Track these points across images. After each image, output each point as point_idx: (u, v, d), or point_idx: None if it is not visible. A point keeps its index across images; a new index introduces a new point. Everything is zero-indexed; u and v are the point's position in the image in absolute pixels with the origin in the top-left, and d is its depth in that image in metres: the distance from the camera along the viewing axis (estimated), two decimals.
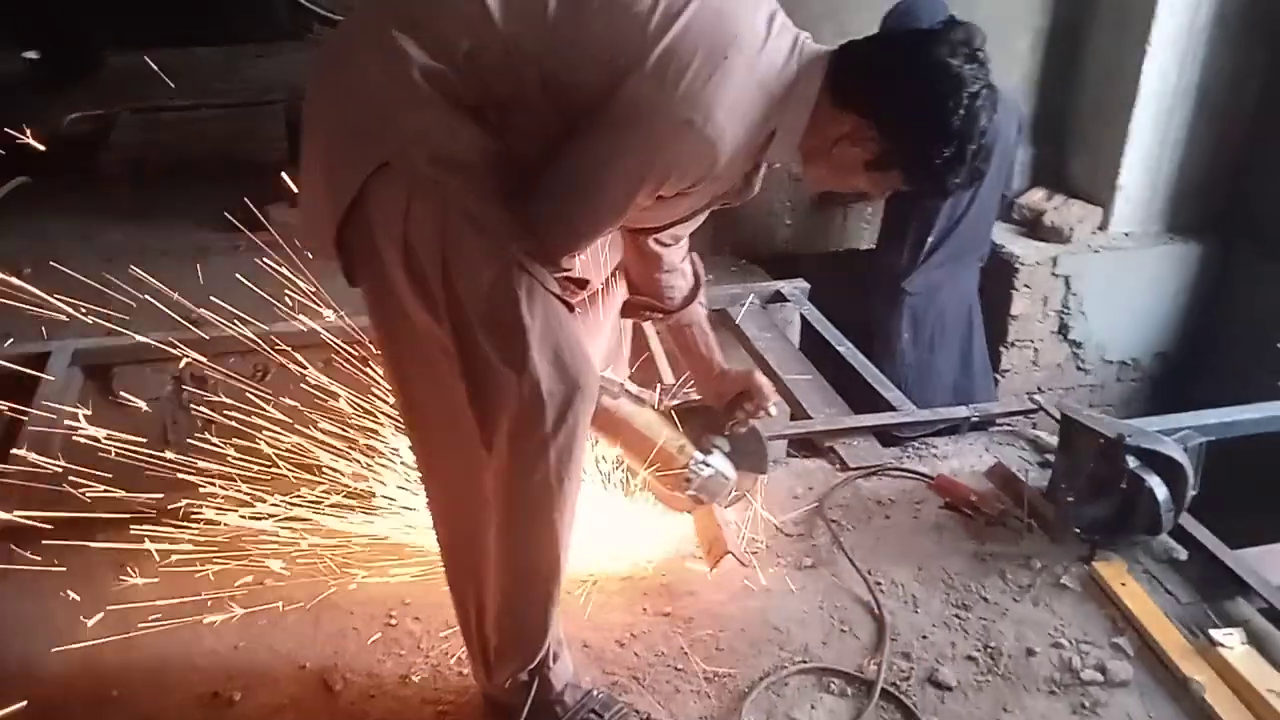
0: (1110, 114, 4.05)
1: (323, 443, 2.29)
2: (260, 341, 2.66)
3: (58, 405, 2.59)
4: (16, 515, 2.15)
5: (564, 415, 1.56)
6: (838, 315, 3.42)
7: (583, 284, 1.66)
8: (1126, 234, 4.18)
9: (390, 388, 1.68)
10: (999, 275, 3.99)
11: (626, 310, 2.06)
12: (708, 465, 2.08)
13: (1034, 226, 4.13)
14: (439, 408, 1.63)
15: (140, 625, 2.00)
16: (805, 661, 1.99)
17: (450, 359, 1.56)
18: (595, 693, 1.82)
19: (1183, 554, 2.26)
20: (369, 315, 1.66)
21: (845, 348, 3.20)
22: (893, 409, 2.89)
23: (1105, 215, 4.15)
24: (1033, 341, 4.15)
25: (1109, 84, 4.05)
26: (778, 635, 2.05)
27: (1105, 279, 4.10)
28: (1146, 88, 3.93)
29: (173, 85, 3.78)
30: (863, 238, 4.06)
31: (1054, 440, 2.54)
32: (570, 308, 1.61)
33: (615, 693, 1.87)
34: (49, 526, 2.12)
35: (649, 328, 2.66)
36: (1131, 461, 2.18)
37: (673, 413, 2.11)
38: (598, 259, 1.91)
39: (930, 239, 3.50)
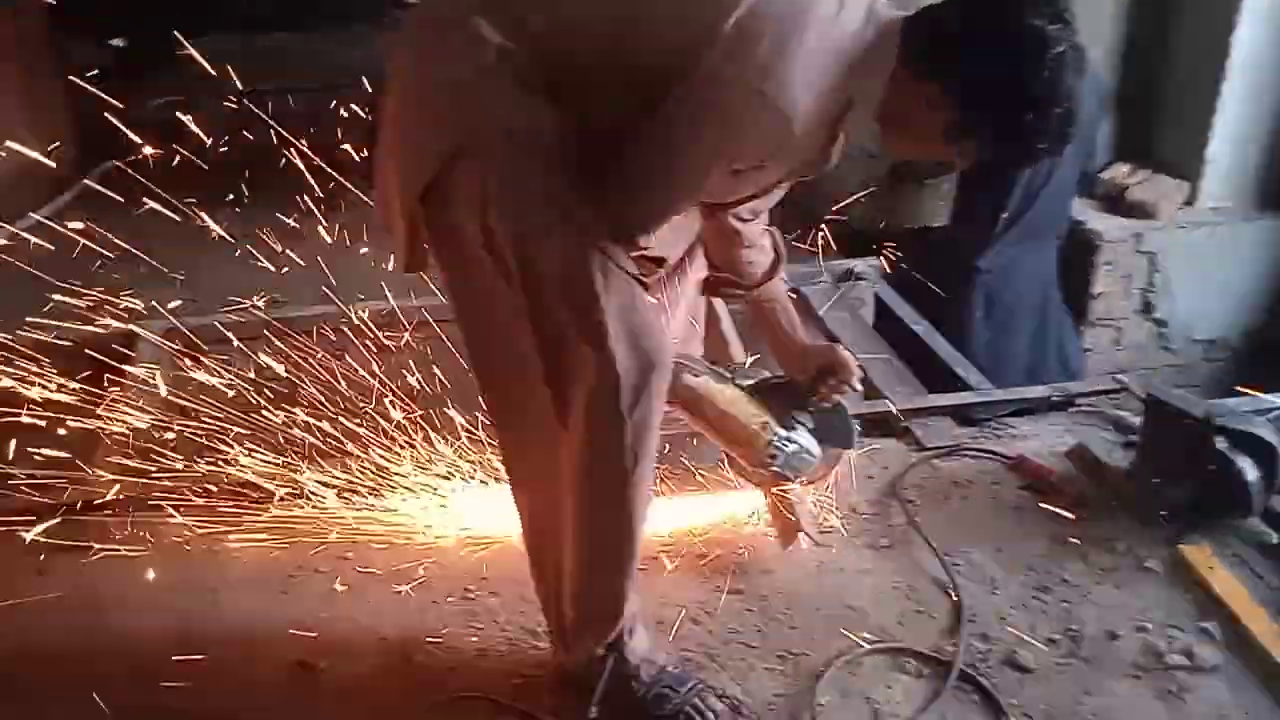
0: (1200, 84, 3.90)
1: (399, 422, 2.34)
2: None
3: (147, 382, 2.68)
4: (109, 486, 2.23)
5: (640, 393, 1.57)
6: (913, 294, 3.37)
7: (659, 262, 1.67)
8: (1214, 209, 4.04)
9: (469, 366, 1.70)
10: (1080, 253, 3.89)
11: (706, 288, 2.06)
12: (792, 442, 2.04)
13: (1117, 202, 4.01)
14: (517, 386, 1.65)
15: (228, 596, 2.07)
16: (881, 641, 1.97)
17: (527, 337, 1.58)
18: (670, 668, 1.83)
19: (1273, 537, 2.19)
20: (447, 295, 1.68)
21: (921, 327, 3.16)
22: (970, 389, 2.84)
23: (1193, 190, 4.01)
24: (1115, 321, 4.04)
25: (1199, 53, 3.90)
26: (853, 615, 2.04)
27: (1192, 256, 3.97)
28: (1238, 57, 3.77)
29: (254, 70, 3.85)
30: (939, 215, 3.99)
31: (1138, 421, 2.48)
32: (646, 285, 1.61)
33: (689, 669, 1.88)
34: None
35: (720, 304, 2.65)
36: (1220, 442, 2.12)
37: (755, 390, 2.09)
38: (674, 236, 1.91)
39: (1005, 214, 3.42)
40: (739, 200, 1.83)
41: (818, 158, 1.68)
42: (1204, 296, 4.04)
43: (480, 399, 1.72)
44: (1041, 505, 2.34)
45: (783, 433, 2.04)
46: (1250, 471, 2.11)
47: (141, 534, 2.21)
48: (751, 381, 2.11)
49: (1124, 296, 4.01)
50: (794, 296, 2.54)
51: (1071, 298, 3.84)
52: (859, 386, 2.10)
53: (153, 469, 2.33)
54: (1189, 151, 3.99)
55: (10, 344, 2.55)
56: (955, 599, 2.07)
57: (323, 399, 2.45)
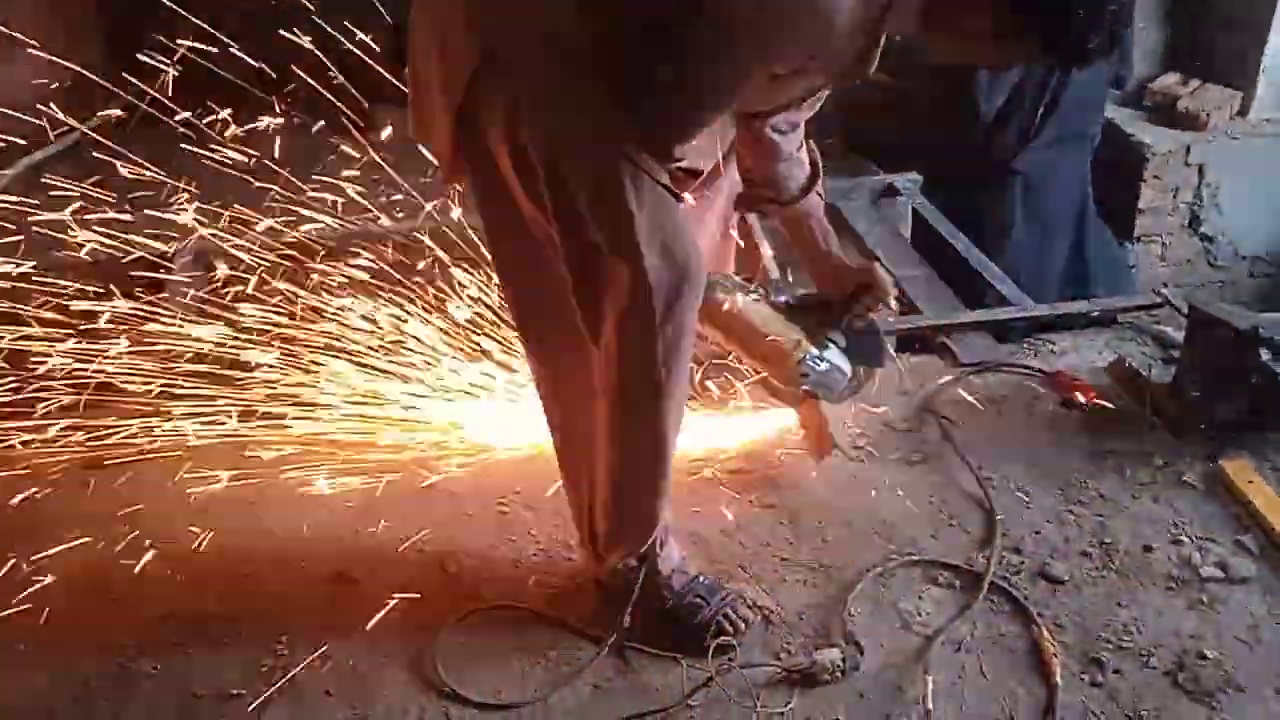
0: None
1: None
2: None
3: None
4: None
5: (671, 305, 1.55)
6: (952, 210, 3.30)
7: (693, 174, 1.64)
8: (1268, 120, 3.90)
9: (498, 280, 1.70)
10: (1126, 166, 3.79)
11: (742, 202, 2.02)
12: (824, 360, 2.02)
13: (1166, 113, 3.89)
14: (547, 300, 1.64)
15: (266, 510, 2.11)
16: (913, 554, 1.98)
17: (557, 253, 1.56)
18: (701, 579, 1.85)
19: None
20: (477, 208, 1.67)
21: (960, 242, 3.10)
22: (1008, 304, 2.80)
23: (1245, 100, 3.88)
24: (1160, 236, 3.95)
25: None
26: (885, 528, 2.05)
27: (1243, 168, 3.85)
28: None
29: None
30: (978, 131, 3.88)
31: (1179, 336, 2.43)
32: (679, 198, 1.59)
33: (721, 580, 1.90)
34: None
35: (755, 222, 2.61)
36: (1264, 354, 2.08)
37: (787, 307, 2.07)
38: (707, 148, 1.87)
39: (1040, 113, 3.35)
40: (775, 109, 1.78)
41: (857, 63, 1.63)
42: (1252, 211, 3.93)
43: (510, 315, 1.71)
44: (1078, 420, 2.31)
45: (815, 351, 2.02)
46: None
47: (182, 445, 2.25)
48: (784, 299, 2.09)
49: (1170, 211, 3.91)
50: (830, 212, 2.51)
51: (1116, 212, 3.75)
52: (894, 305, 2.07)
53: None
54: (1242, 59, 3.85)
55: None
56: (988, 512, 2.06)
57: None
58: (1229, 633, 1.80)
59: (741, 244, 2.22)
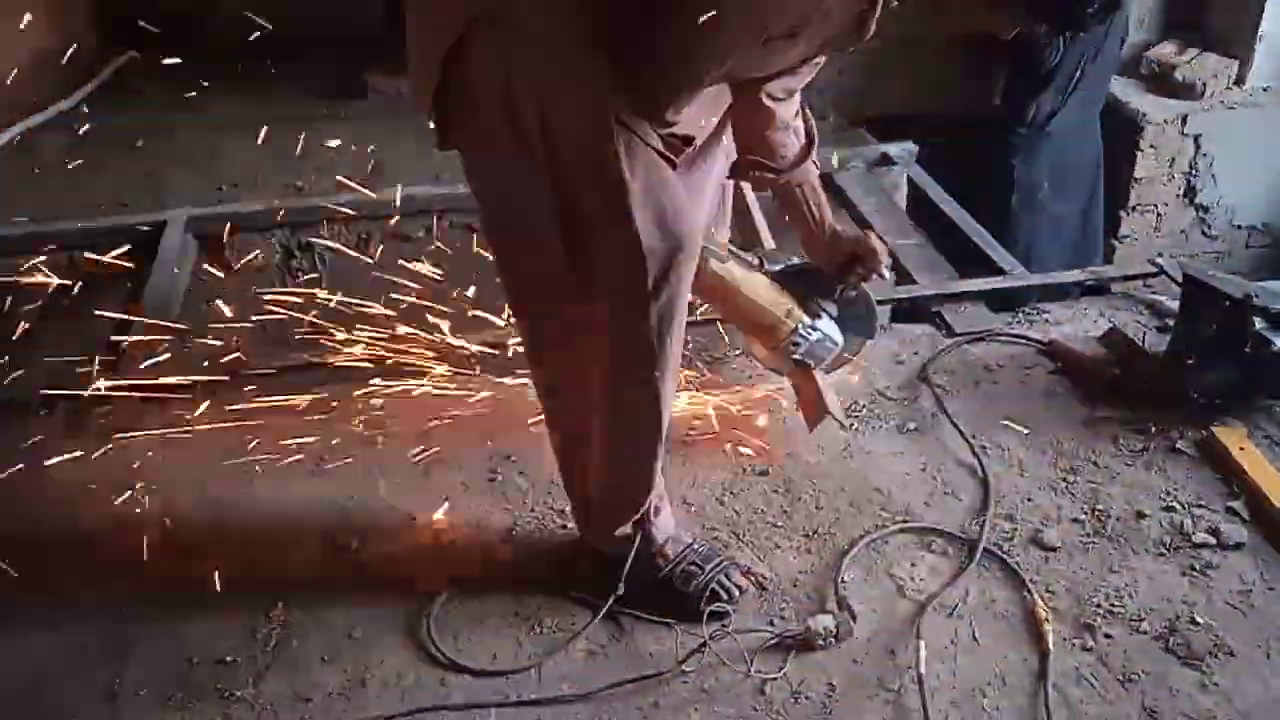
0: None
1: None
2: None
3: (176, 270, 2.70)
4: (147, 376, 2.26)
5: (665, 274, 1.54)
6: (948, 179, 3.30)
7: (688, 140, 1.62)
8: (1266, 89, 3.89)
9: (488, 247, 1.68)
10: (1122, 135, 3.77)
11: (735, 171, 2.00)
12: (815, 330, 2.02)
13: (1163, 82, 3.87)
14: (539, 267, 1.62)
15: (260, 479, 2.11)
16: (906, 521, 1.98)
17: (550, 217, 1.55)
18: (696, 546, 1.86)
19: None
20: (466, 173, 1.65)
21: (954, 210, 3.09)
22: (1002, 273, 2.80)
23: (1242, 69, 3.86)
24: (1156, 206, 3.94)
25: None
26: (879, 496, 2.05)
27: (1239, 138, 3.84)
28: None
29: None
30: (974, 99, 3.86)
31: (1174, 305, 2.43)
32: (673, 164, 1.57)
33: (715, 547, 1.90)
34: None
35: (748, 190, 2.60)
36: (1258, 323, 2.08)
37: (780, 276, 2.07)
38: (701, 114, 1.86)
39: (1078, 74, 3.37)
40: (770, 76, 1.76)
41: (854, 28, 1.61)
42: (1249, 180, 3.93)
43: (500, 281, 1.69)
44: (1072, 389, 2.31)
45: (807, 320, 2.02)
46: None
47: (182, 419, 2.25)
48: (778, 267, 2.08)
49: (1166, 180, 3.90)
50: (824, 180, 2.49)
51: (1112, 182, 3.74)
52: (887, 275, 2.06)
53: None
54: (1241, 27, 3.83)
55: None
56: (982, 480, 2.07)
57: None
58: (1220, 598, 1.81)
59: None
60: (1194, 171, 3.88)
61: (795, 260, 2.12)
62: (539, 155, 1.49)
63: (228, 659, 1.74)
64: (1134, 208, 3.91)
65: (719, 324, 2.43)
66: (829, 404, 2.10)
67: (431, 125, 1.59)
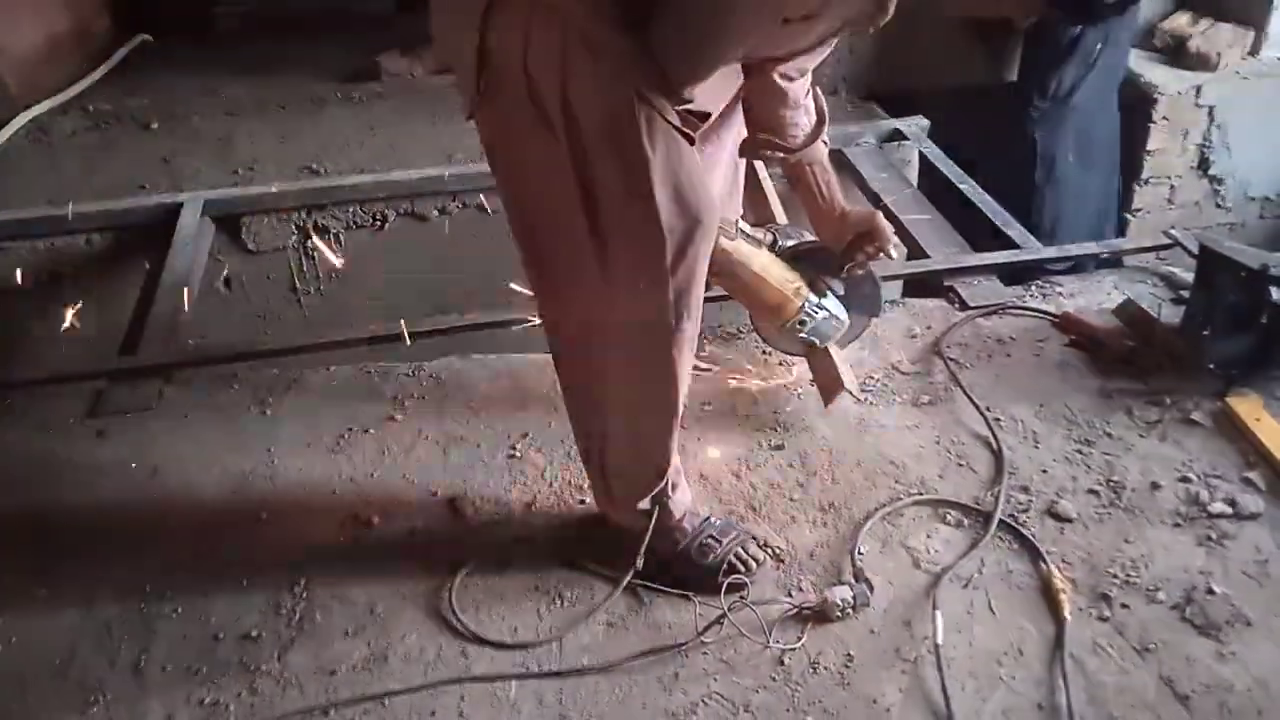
0: None
1: None
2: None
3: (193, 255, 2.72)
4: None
5: (684, 251, 1.54)
6: (962, 154, 3.28)
7: (704, 117, 1.62)
8: None
9: (508, 222, 1.68)
10: (1135, 108, 3.74)
11: (746, 148, 2.00)
12: (821, 308, 2.04)
13: (1177, 53, 3.84)
14: (558, 242, 1.63)
15: (281, 457, 2.13)
16: (921, 494, 1.99)
17: (570, 193, 1.55)
18: (713, 520, 1.87)
19: None
20: (488, 144, 1.64)
21: (967, 185, 3.08)
22: (1016, 247, 2.79)
23: (1258, 39, 3.82)
24: (1169, 178, 3.91)
25: None
26: (894, 469, 2.06)
27: (1254, 108, 3.80)
28: None
29: None
30: (982, 74, 3.84)
31: (1189, 276, 2.42)
32: (691, 140, 1.57)
33: (732, 521, 1.91)
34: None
35: (761, 167, 2.60)
36: (1275, 293, 2.07)
37: (788, 254, 2.07)
38: (717, 91, 1.85)
39: (1097, 47, 3.36)
40: (786, 55, 1.76)
41: (874, 9, 1.60)
42: (1264, 151, 3.88)
43: (520, 257, 1.70)
44: (1086, 362, 2.31)
45: (814, 299, 2.03)
46: None
47: (204, 398, 2.28)
48: (789, 244, 2.08)
49: (1179, 153, 3.87)
50: (835, 156, 2.48)
51: (1125, 155, 3.73)
52: (894, 254, 2.06)
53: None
54: None
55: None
56: (996, 452, 2.08)
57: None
58: (1236, 568, 1.81)
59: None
60: (1207, 143, 3.85)
61: (806, 238, 2.12)
62: (559, 129, 1.50)
63: (252, 634, 1.76)
64: (1147, 180, 3.88)
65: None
66: (845, 381, 2.12)
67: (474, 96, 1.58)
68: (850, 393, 2.14)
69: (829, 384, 2.16)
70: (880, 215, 2.04)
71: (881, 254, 2.04)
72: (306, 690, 1.67)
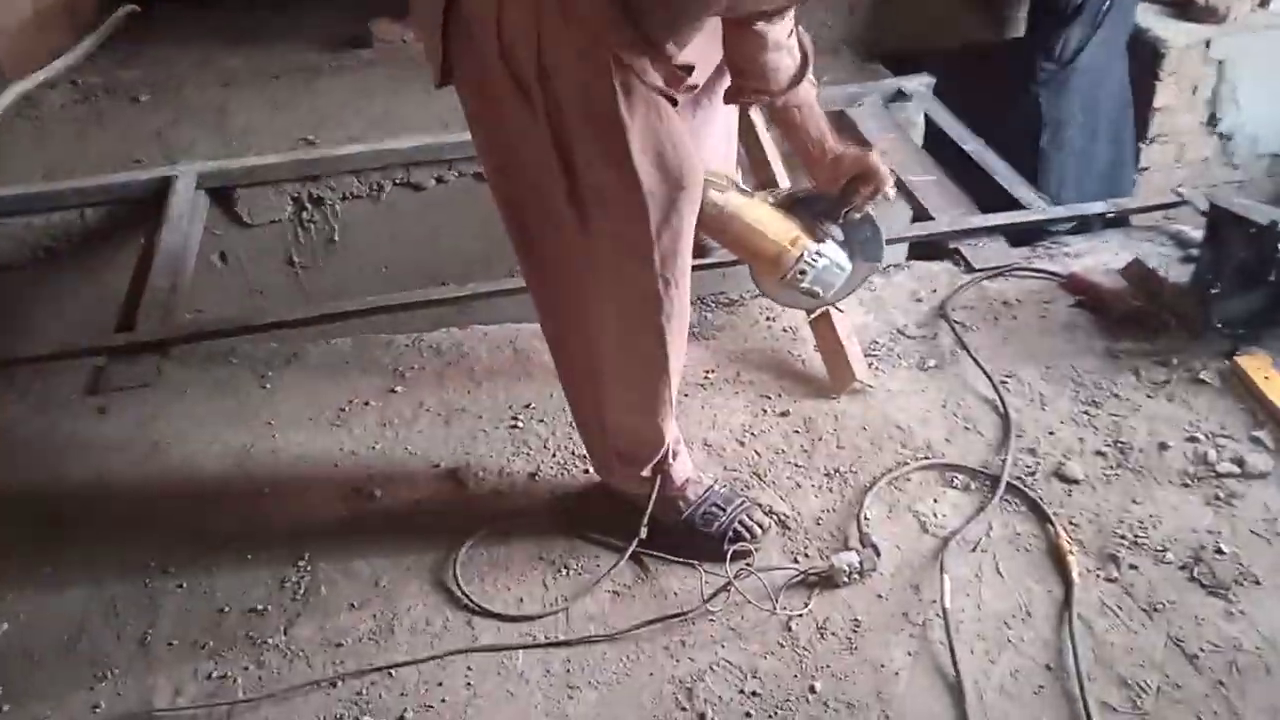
0: None
1: None
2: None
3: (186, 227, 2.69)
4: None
5: (668, 217, 1.51)
6: (967, 115, 3.24)
7: (688, 69, 1.57)
8: None
9: (493, 195, 1.65)
10: (1142, 63, 3.69)
11: (730, 95, 1.93)
12: (822, 255, 1.95)
13: (1185, 7, 3.77)
14: (540, 211, 1.60)
15: (282, 431, 2.12)
16: (928, 458, 1.98)
17: (549, 160, 1.51)
18: (717, 487, 1.86)
19: None
20: (467, 115, 1.61)
21: (973, 145, 3.04)
22: (1022, 208, 2.76)
23: None
24: (1177, 135, 3.87)
25: None
26: (900, 434, 2.04)
27: (1264, 62, 3.73)
28: None
29: None
30: (990, 31, 3.79)
31: (1197, 235, 2.39)
32: (674, 102, 1.53)
33: (736, 488, 1.90)
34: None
35: (762, 130, 2.55)
36: None
37: (782, 203, 1.99)
38: (704, 50, 1.80)
39: (1103, 7, 3.31)
40: (768, 9, 1.71)
41: None
42: (1273, 106, 3.83)
43: (504, 229, 1.67)
44: (1093, 322, 2.29)
45: (813, 247, 1.94)
46: None
47: (202, 372, 2.26)
48: (781, 193, 2.02)
49: (1187, 109, 3.82)
50: (838, 117, 2.43)
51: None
52: (892, 194, 1.99)
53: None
54: None
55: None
56: (1003, 415, 2.06)
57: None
58: (1245, 527, 1.80)
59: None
60: (1216, 99, 3.80)
61: (801, 186, 2.06)
62: (536, 94, 1.46)
63: (258, 608, 1.76)
64: (1153, 139, 3.83)
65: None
66: (857, 371, 2.09)
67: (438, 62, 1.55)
68: (866, 385, 2.12)
69: (841, 370, 2.13)
70: (875, 155, 1.94)
71: (880, 195, 1.97)
72: (314, 662, 1.67)
